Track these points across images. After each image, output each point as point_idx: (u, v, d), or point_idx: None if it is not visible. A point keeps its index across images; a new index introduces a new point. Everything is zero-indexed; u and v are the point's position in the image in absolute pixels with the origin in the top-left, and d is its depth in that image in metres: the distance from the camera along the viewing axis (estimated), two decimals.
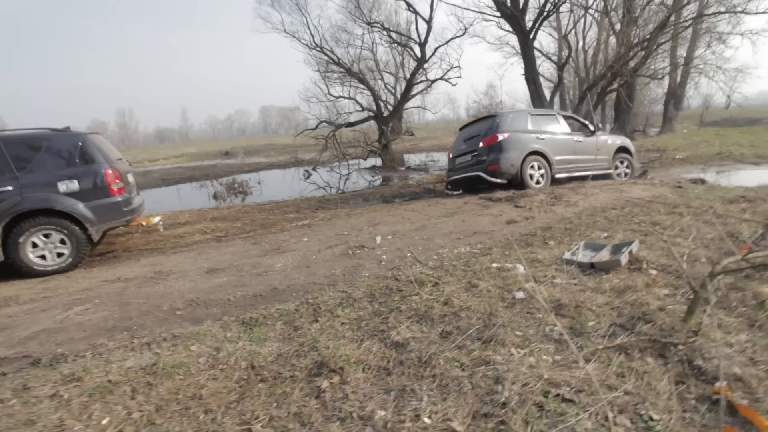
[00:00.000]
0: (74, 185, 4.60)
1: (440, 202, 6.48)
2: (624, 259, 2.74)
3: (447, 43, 18.77)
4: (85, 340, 2.68)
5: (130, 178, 5.58)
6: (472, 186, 7.38)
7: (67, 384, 2.14)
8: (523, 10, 15.20)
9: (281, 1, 18.99)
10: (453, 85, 19.64)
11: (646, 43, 14.55)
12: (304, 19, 19.22)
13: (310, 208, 7.86)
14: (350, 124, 17.58)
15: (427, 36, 18.43)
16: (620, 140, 8.05)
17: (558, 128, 7.34)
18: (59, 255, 4.56)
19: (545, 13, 15.50)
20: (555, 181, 7.13)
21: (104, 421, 1.88)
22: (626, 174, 7.96)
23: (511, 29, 16.45)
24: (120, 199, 4.85)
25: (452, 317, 2.38)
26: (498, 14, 16.21)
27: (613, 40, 18.47)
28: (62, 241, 4.53)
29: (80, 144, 4.78)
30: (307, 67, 20.25)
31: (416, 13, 18.21)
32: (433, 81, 19.68)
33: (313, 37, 18.81)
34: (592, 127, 7.68)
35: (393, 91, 22.84)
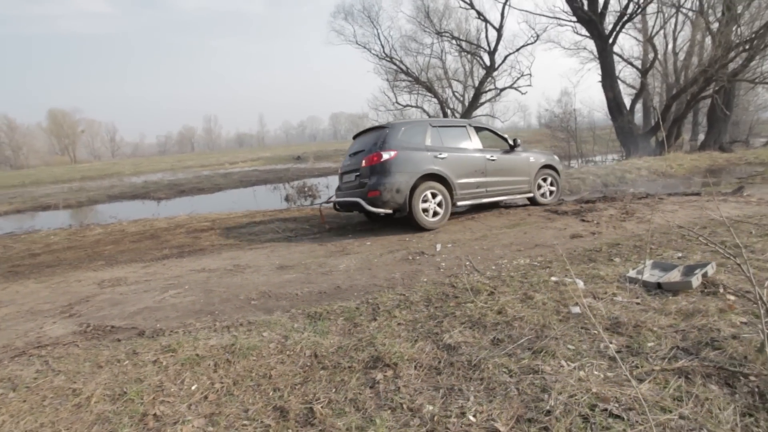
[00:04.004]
0: None
1: (503, 213, 6.42)
2: (696, 281, 2.59)
3: (518, 50, 18.37)
4: (177, 319, 3.12)
5: None
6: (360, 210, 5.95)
7: (165, 353, 2.54)
8: (602, 14, 14.45)
9: (354, 15, 19.92)
10: (523, 93, 19.11)
11: (750, 44, 13.10)
12: (375, 30, 19.93)
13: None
14: None
15: (496, 44, 18.18)
16: (544, 157, 6.90)
17: (466, 144, 6.02)
18: None
19: (627, 16, 14.56)
20: (455, 212, 5.96)
21: (193, 387, 2.22)
22: (551, 193, 6.89)
23: (588, 34, 15.68)
24: None
25: (505, 326, 2.44)
26: (574, 19, 15.55)
27: (709, 41, 16.77)
28: None
29: None
30: (377, 76, 20.87)
31: (486, 21, 18.07)
32: (502, 89, 19.35)
33: (383, 47, 19.42)
34: (511, 142, 6.52)
35: (461, 99, 22.75)
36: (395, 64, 19.84)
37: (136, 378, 2.30)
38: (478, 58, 20.34)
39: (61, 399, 2.18)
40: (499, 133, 6.70)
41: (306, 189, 11.89)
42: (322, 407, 1.90)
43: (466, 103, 21.38)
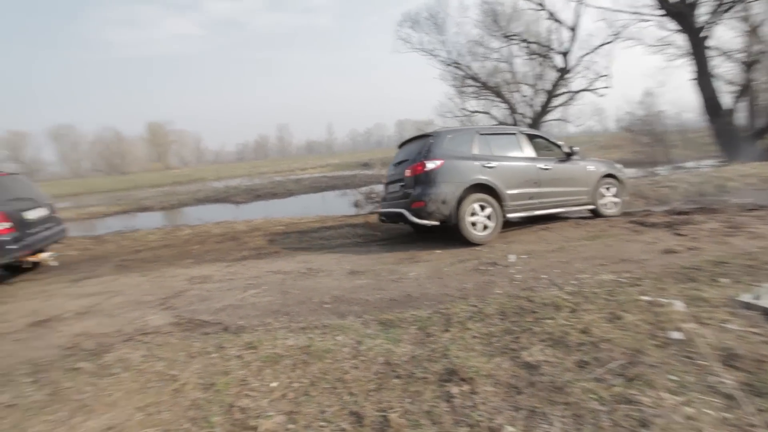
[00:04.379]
0: None
1: (580, 223, 6.00)
2: None
3: (594, 50, 17.20)
4: (257, 318, 3.31)
5: (32, 214, 5.76)
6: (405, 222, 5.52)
7: (247, 350, 2.70)
8: (693, 5, 13.02)
9: (420, 23, 19.98)
10: (600, 96, 17.85)
11: None
12: (441, 37, 19.84)
13: None
14: None
15: (570, 45, 17.23)
16: (605, 166, 6.42)
17: (517, 152, 5.69)
18: None
19: (725, 5, 12.98)
20: (507, 224, 5.52)
21: (273, 384, 2.33)
22: (614, 204, 6.40)
23: (677, 28, 14.23)
24: (6, 239, 5.14)
25: (591, 347, 2.26)
26: (660, 12, 14.22)
27: None
28: None
29: None
30: (443, 83, 20.73)
31: (559, 21, 17.17)
32: (576, 92, 18.22)
33: (449, 53, 19.26)
34: (567, 150, 6.08)
35: (530, 103, 21.83)
36: (462, 69, 19.59)
37: (223, 370, 2.47)
38: (550, 61, 19.38)
39: (162, 383, 2.41)
40: (554, 140, 6.32)
41: (373, 195, 12.09)
42: (397, 416, 1.89)
43: (537, 108, 20.48)
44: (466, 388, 2.05)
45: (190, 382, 2.37)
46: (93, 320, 3.64)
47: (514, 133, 5.88)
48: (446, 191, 4.98)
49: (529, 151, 5.78)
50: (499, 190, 5.23)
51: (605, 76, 17.40)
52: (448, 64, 19.67)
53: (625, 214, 6.38)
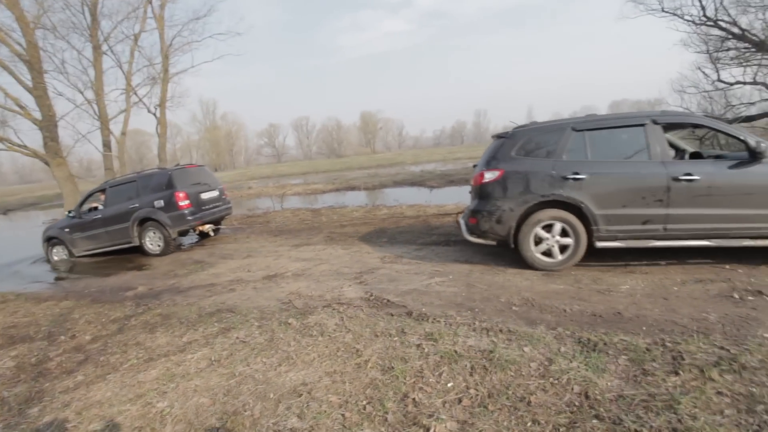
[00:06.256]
0: (161, 203, 7.16)
1: None
2: None
3: None
4: (440, 308, 3.25)
5: (206, 196, 7.76)
6: None
7: (427, 340, 2.65)
8: None
9: None
10: None
11: None
12: None
13: None
14: (748, 119, 13.05)
15: None
16: None
17: (638, 154, 3.82)
18: (158, 246, 7.29)
19: None
20: (594, 252, 3.88)
21: (449, 384, 2.20)
22: None
23: None
24: (185, 212, 7.17)
25: None
26: None
27: None
28: (159, 237, 7.29)
29: (168, 176, 7.27)
30: (685, 50, 16.06)
31: None
32: None
33: (704, 9, 14.93)
34: (752, 144, 3.51)
35: None
36: (720, 28, 14.96)
37: (402, 356, 2.49)
38: None
39: (348, 355, 2.59)
40: (733, 131, 3.72)
41: None
42: None
43: None
44: None
45: (372, 360, 2.47)
46: (304, 282, 4.29)
47: (642, 124, 3.88)
48: (503, 208, 4.13)
49: (661, 150, 3.80)
50: (586, 209, 3.85)
51: None
52: (699, 24, 15.34)
53: None
